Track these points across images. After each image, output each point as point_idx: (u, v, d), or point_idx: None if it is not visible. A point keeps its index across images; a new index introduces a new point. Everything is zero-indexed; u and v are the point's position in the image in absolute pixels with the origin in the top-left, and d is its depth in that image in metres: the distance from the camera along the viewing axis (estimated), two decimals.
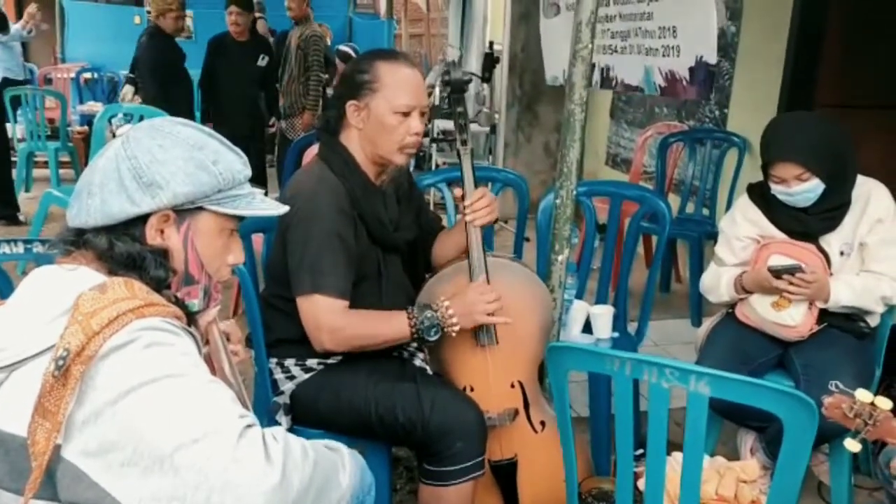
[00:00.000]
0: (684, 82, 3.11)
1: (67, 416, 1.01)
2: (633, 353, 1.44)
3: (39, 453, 1.00)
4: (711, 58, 2.92)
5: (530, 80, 6.10)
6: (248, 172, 1.29)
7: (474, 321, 1.99)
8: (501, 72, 6.25)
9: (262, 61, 5.72)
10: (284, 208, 1.34)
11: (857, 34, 3.98)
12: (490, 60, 5.88)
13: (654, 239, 4.42)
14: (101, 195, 1.17)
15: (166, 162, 1.18)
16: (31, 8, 7.43)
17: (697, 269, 4.09)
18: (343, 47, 8.67)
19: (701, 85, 3.03)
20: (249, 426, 1.08)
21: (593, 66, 3.90)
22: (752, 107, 4.26)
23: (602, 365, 1.46)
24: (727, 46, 4.40)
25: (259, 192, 1.32)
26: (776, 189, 2.34)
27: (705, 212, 4.50)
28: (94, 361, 1.02)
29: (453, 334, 1.98)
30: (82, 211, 1.18)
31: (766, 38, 4.11)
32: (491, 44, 6.45)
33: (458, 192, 2.12)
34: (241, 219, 1.29)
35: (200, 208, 1.23)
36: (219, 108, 5.71)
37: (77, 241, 1.19)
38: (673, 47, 3.14)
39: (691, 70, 3.05)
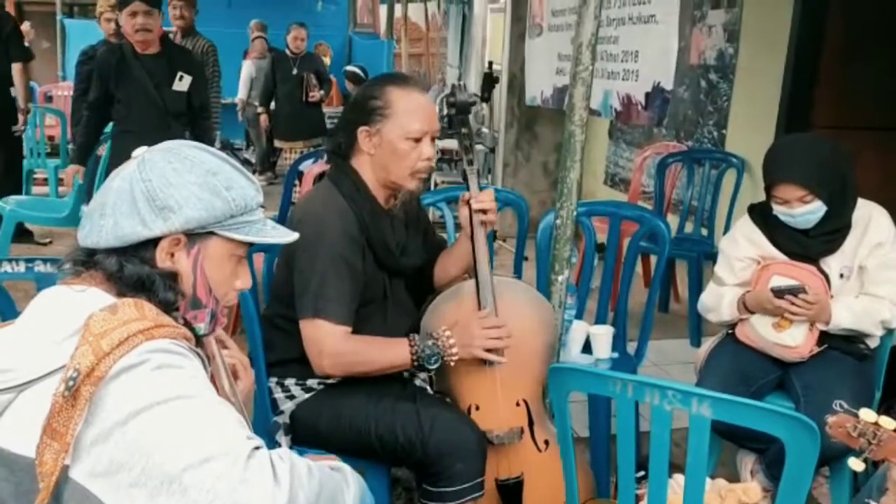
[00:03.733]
0: (639, 107, 3.15)
1: (76, 437, 1.01)
2: (635, 375, 1.45)
3: (47, 474, 1.00)
4: (668, 84, 2.95)
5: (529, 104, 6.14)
6: (261, 199, 1.30)
7: (471, 354, 2.00)
8: (500, 92, 6.28)
9: (182, 83, 3.98)
10: (294, 236, 1.35)
11: (853, 56, 4.01)
12: (489, 80, 5.90)
13: (653, 259, 4.45)
14: (113, 216, 1.18)
15: (180, 186, 1.19)
16: (25, 26, 7.43)
17: (696, 288, 4.09)
18: (351, 68, 8.73)
19: (656, 111, 3.06)
20: (257, 448, 1.08)
21: (565, 87, 3.94)
22: (751, 127, 4.28)
23: (604, 387, 1.47)
24: (725, 67, 4.44)
25: (270, 218, 1.33)
26: (778, 210, 2.36)
27: (704, 232, 4.51)
28: (103, 382, 1.02)
29: (452, 363, 1.99)
30: (94, 231, 1.19)
31: (764, 59, 4.14)
32: (490, 64, 6.49)
33: (465, 195, 2.14)
34: (250, 245, 1.30)
35: (211, 233, 1.24)
36: (118, 151, 3.92)
37: (88, 262, 1.20)
38: (633, 72, 3.17)
39: (647, 95, 3.08)
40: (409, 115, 2.01)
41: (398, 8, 8.83)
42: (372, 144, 2.04)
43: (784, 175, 2.31)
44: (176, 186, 1.19)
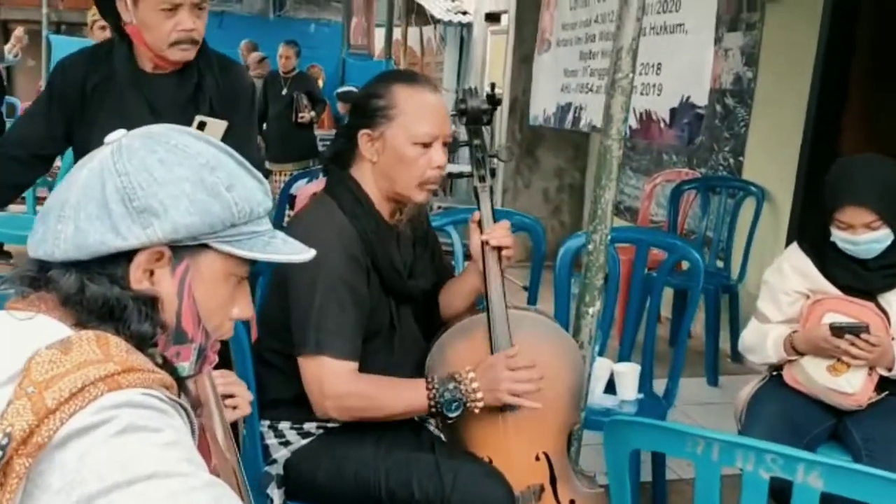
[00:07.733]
0: (662, 124, 2.91)
1: None
2: (722, 434, 1.19)
3: None
4: (701, 99, 2.72)
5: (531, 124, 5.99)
6: (269, 205, 1.01)
7: (497, 400, 1.75)
8: (502, 115, 6.11)
9: (212, 129, 2.06)
10: (311, 253, 1.06)
11: (883, 79, 3.85)
12: (492, 102, 5.72)
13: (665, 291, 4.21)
14: (75, 220, 0.89)
15: (167, 183, 0.91)
16: (19, 31, 7.14)
17: (713, 323, 3.92)
18: (344, 88, 8.58)
19: (684, 128, 2.82)
20: None
21: (569, 105, 3.73)
22: (771, 155, 4.10)
23: (680, 446, 1.20)
24: (743, 92, 4.27)
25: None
26: (839, 236, 2.13)
27: (720, 264, 4.29)
28: (45, 452, 0.74)
29: (476, 411, 1.74)
30: (48, 238, 0.90)
31: (786, 83, 3.97)
32: (493, 85, 6.32)
33: (476, 215, 1.89)
34: (253, 263, 1.01)
35: (205, 245, 0.95)
36: None
37: (38, 280, 0.91)
38: (654, 85, 2.94)
39: (673, 111, 2.85)
40: (417, 116, 1.76)
41: (397, 31, 8.69)
42: (374, 150, 1.79)
43: (854, 198, 2.08)
44: (161, 183, 0.91)
